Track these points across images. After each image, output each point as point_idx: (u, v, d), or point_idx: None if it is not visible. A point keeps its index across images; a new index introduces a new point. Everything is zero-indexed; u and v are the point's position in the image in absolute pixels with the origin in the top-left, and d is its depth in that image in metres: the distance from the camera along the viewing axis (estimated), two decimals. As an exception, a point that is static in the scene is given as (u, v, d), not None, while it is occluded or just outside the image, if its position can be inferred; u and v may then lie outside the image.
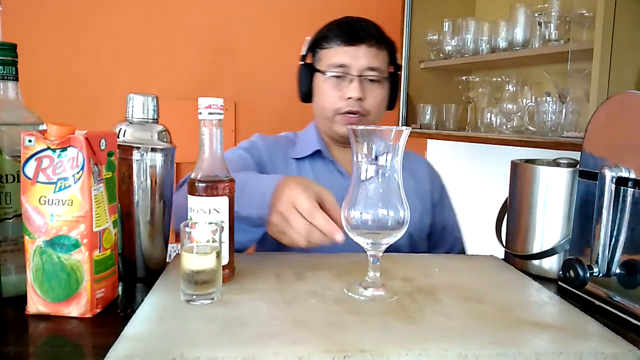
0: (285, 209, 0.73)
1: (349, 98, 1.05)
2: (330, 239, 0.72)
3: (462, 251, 1.23)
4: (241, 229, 0.80)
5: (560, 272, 0.77)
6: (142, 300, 0.66)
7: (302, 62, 1.13)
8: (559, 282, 0.80)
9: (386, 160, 0.67)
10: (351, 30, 1.07)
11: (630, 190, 0.68)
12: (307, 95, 1.14)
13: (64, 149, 0.62)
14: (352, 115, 1.06)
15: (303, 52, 1.13)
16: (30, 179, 0.62)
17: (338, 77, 1.07)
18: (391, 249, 1.12)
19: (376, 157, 0.67)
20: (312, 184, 0.77)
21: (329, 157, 1.13)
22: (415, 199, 1.15)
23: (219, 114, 0.71)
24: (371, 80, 1.07)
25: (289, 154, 1.15)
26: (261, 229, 0.82)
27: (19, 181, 0.66)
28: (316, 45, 1.12)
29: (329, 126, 1.11)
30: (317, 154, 1.13)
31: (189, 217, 0.71)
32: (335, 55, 1.07)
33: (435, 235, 1.20)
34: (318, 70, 1.10)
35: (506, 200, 0.95)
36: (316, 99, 1.12)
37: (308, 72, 1.12)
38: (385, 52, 1.10)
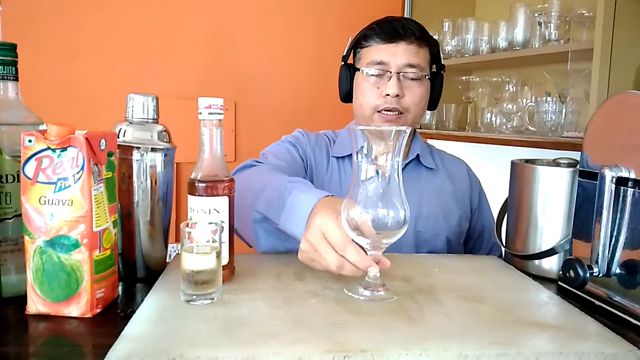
0: (315, 238, 0.70)
1: (387, 95, 1.04)
2: (363, 272, 0.69)
3: (501, 255, 1.21)
4: (283, 237, 0.81)
5: (560, 272, 0.77)
6: (142, 300, 0.66)
7: (343, 63, 1.13)
8: (559, 282, 0.80)
9: (386, 160, 0.67)
10: (391, 28, 1.06)
11: (630, 190, 0.68)
12: (347, 95, 1.13)
13: (64, 149, 0.62)
14: (390, 113, 1.05)
15: (345, 53, 1.13)
16: (30, 179, 0.62)
17: (377, 75, 1.06)
18: (427, 253, 1.11)
19: (376, 157, 0.67)
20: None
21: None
22: (453, 204, 1.14)
23: (219, 114, 0.71)
24: (411, 78, 1.05)
25: (330, 152, 1.15)
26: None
27: (19, 181, 0.66)
28: (357, 45, 1.12)
29: (367, 124, 1.09)
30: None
31: (189, 217, 0.71)
32: (375, 53, 1.06)
33: (472, 240, 1.20)
34: (357, 69, 1.10)
35: (506, 200, 0.95)
36: (355, 97, 1.11)
37: (348, 71, 1.11)
38: (426, 50, 1.08)
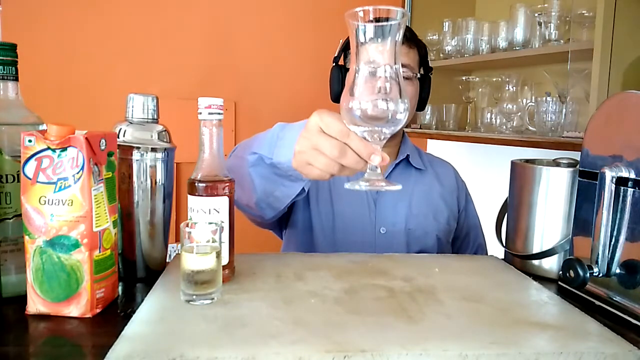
0: (313, 133, 0.65)
1: None
2: (366, 161, 0.64)
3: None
4: (278, 182, 0.78)
5: (560, 272, 0.77)
6: (142, 300, 0.66)
7: (334, 64, 1.15)
8: (559, 282, 0.80)
9: (381, 49, 0.62)
10: None
11: (630, 190, 0.68)
12: (338, 95, 1.14)
13: (64, 149, 0.62)
14: None
15: (336, 54, 1.15)
16: (30, 179, 0.62)
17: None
18: (418, 251, 1.11)
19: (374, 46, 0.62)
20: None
21: None
22: (442, 204, 1.17)
23: (219, 114, 0.71)
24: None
25: None
26: (298, 184, 0.78)
27: (19, 181, 0.66)
28: (348, 46, 1.13)
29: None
30: None
31: (189, 217, 0.71)
32: None
33: (459, 240, 1.23)
34: (348, 69, 1.11)
35: (506, 200, 0.95)
36: None
37: (339, 72, 1.13)
38: (415, 51, 1.11)
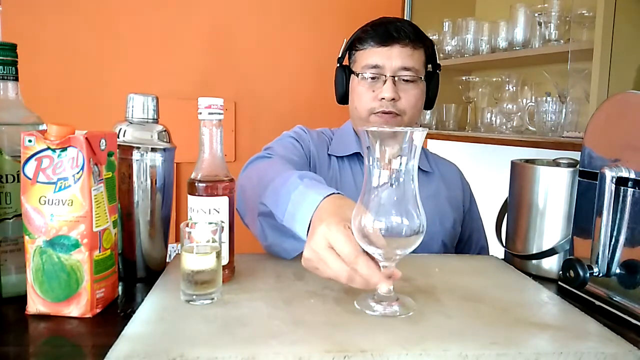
0: (321, 248, 0.64)
1: (383, 99, 1.04)
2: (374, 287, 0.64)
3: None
4: (289, 234, 0.77)
5: (560, 272, 0.77)
6: (142, 300, 0.66)
7: (339, 65, 1.13)
8: (559, 282, 0.80)
9: (400, 164, 0.62)
10: (385, 31, 1.06)
11: (630, 190, 0.68)
12: (343, 96, 1.13)
13: (64, 149, 0.62)
14: (386, 115, 1.05)
15: (340, 55, 1.13)
16: (30, 179, 0.62)
17: (372, 78, 1.06)
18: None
19: (389, 161, 0.62)
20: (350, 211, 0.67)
21: None
22: (448, 208, 1.14)
23: (219, 114, 0.71)
24: (406, 80, 1.06)
25: (328, 150, 1.15)
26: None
27: (19, 181, 0.66)
28: (352, 47, 1.12)
29: (364, 126, 1.09)
30: (355, 155, 1.13)
31: (189, 217, 0.71)
32: (369, 56, 1.06)
33: (462, 242, 1.20)
34: (353, 72, 1.10)
35: (506, 200, 0.95)
36: (351, 100, 1.11)
37: (344, 74, 1.12)
38: (421, 51, 1.08)
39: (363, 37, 1.08)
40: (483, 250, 1.23)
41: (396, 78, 1.04)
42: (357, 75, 1.08)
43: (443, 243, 1.10)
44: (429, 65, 1.12)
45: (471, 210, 1.22)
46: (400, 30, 1.05)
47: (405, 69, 1.05)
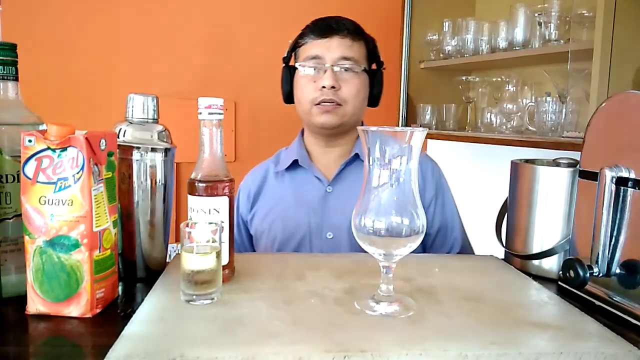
0: None
1: (323, 87, 1.06)
2: None
3: (465, 250, 1.17)
4: None
5: (560, 272, 0.77)
6: (142, 300, 0.66)
7: (285, 64, 1.16)
8: (559, 282, 0.80)
9: (400, 164, 0.62)
10: (324, 24, 1.09)
11: (630, 190, 0.68)
12: (289, 95, 1.16)
13: (64, 149, 0.62)
14: (327, 104, 1.07)
15: (286, 55, 1.16)
16: (30, 179, 0.62)
17: (313, 68, 1.08)
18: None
19: (389, 161, 0.62)
20: None
21: (306, 165, 1.14)
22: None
23: (219, 114, 0.71)
24: (347, 70, 1.08)
25: (272, 172, 1.18)
26: None
27: (19, 181, 0.66)
28: (295, 45, 1.15)
29: (308, 120, 1.12)
30: (296, 163, 1.15)
31: (189, 217, 0.71)
32: (310, 48, 1.09)
33: (430, 237, 1.15)
34: (295, 68, 1.12)
35: (506, 200, 0.95)
36: (295, 95, 1.14)
37: (289, 72, 1.14)
38: (361, 44, 1.11)
39: (304, 32, 1.12)
40: (456, 241, 1.16)
41: (336, 68, 1.07)
42: (299, 67, 1.10)
43: None
44: (373, 64, 1.15)
45: (438, 203, 1.17)
46: (340, 23, 1.09)
47: (345, 58, 1.07)
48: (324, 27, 1.09)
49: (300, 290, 0.70)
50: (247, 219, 1.18)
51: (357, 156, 1.14)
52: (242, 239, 1.19)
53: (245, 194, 1.19)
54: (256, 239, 1.15)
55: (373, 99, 1.16)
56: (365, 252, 0.65)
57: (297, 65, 1.12)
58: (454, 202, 1.21)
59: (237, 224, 1.18)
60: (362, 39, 1.11)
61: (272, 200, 1.14)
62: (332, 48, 1.07)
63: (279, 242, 1.09)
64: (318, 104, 1.07)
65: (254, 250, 1.17)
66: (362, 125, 1.18)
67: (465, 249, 1.17)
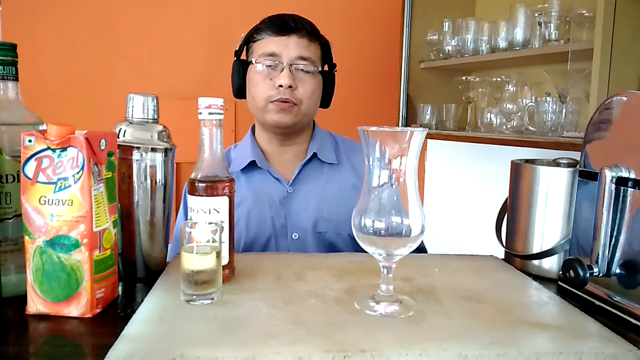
0: None
1: (280, 86, 1.05)
2: None
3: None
4: None
5: (560, 272, 0.77)
6: (142, 300, 0.66)
7: (236, 58, 1.14)
8: (559, 282, 0.80)
9: (400, 164, 0.62)
10: (282, 21, 1.08)
11: (630, 190, 0.68)
12: (240, 89, 1.14)
13: (64, 149, 0.62)
14: (283, 103, 1.06)
15: (237, 48, 1.14)
16: (30, 179, 0.62)
17: (269, 66, 1.07)
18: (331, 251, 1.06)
19: (389, 161, 0.62)
20: None
21: (265, 166, 1.12)
22: (357, 198, 1.14)
23: (219, 114, 0.71)
24: (302, 70, 1.07)
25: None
26: None
27: (19, 181, 0.66)
28: (249, 39, 1.13)
29: (262, 117, 1.10)
30: (252, 164, 1.13)
31: (189, 217, 0.71)
32: (267, 45, 1.08)
33: None
34: (250, 63, 1.11)
35: (506, 200, 0.95)
36: (249, 91, 1.12)
37: (241, 66, 1.13)
38: (317, 45, 1.10)
39: (261, 27, 1.10)
40: None
41: (293, 67, 1.06)
42: (255, 64, 1.09)
43: (350, 237, 1.07)
44: (325, 65, 1.14)
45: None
46: (297, 21, 1.08)
47: (302, 58, 1.07)
48: (281, 25, 1.07)
49: (300, 290, 0.70)
50: None
51: (314, 156, 1.14)
52: None
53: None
54: None
55: (326, 99, 1.15)
56: (365, 252, 0.65)
57: (252, 60, 1.10)
58: None
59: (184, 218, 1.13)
60: (318, 40, 1.11)
61: (241, 197, 1.11)
62: (290, 46, 1.06)
63: (243, 244, 1.07)
64: (273, 102, 1.06)
65: None
66: (314, 126, 1.19)
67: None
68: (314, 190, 1.11)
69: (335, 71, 1.16)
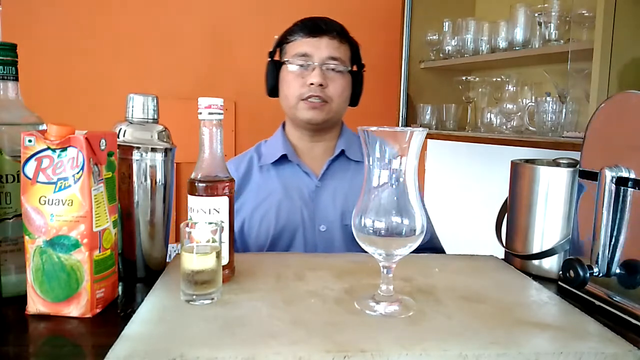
0: None
1: (311, 84, 1.10)
2: None
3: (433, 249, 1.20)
4: None
5: (560, 272, 0.77)
6: (142, 300, 0.66)
7: (270, 59, 1.19)
8: (559, 282, 0.80)
9: (400, 164, 0.62)
10: (314, 23, 1.13)
11: (630, 190, 0.68)
12: (273, 88, 1.19)
13: (64, 149, 0.62)
14: (314, 100, 1.11)
15: (272, 49, 1.19)
16: (30, 179, 0.62)
17: (301, 66, 1.12)
18: (356, 246, 1.09)
19: (389, 161, 0.62)
20: None
21: (295, 160, 1.17)
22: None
23: (219, 114, 0.71)
24: (333, 70, 1.12)
25: (257, 164, 1.20)
26: None
27: (19, 181, 0.66)
28: (283, 41, 1.18)
29: (294, 115, 1.15)
30: (283, 158, 1.17)
31: (189, 217, 0.71)
32: (299, 46, 1.13)
33: None
34: (283, 63, 1.16)
35: (506, 200, 0.95)
36: (281, 90, 1.17)
37: (274, 67, 1.17)
38: (347, 46, 1.15)
39: (294, 30, 1.16)
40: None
41: (324, 67, 1.11)
42: (287, 64, 1.13)
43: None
44: (354, 66, 1.19)
45: None
46: (329, 24, 1.13)
47: (333, 58, 1.12)
48: (313, 27, 1.13)
49: (300, 290, 0.70)
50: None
51: (342, 153, 1.18)
52: None
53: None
54: (245, 231, 1.15)
55: (354, 98, 1.20)
56: (365, 252, 0.65)
57: (285, 61, 1.15)
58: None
59: None
60: (348, 41, 1.16)
61: (260, 193, 1.16)
62: (321, 47, 1.11)
63: (272, 235, 1.11)
64: (304, 99, 1.11)
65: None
66: (342, 124, 1.24)
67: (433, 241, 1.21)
68: (341, 186, 1.16)
69: (364, 71, 1.21)
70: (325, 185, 1.15)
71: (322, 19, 1.15)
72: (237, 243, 1.16)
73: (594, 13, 1.26)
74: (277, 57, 1.20)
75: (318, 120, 1.12)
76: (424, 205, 1.22)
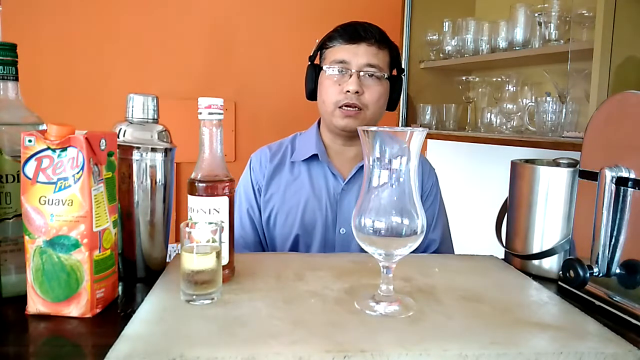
0: None
1: (348, 91, 1.10)
2: None
3: (444, 252, 1.21)
4: None
5: (560, 272, 0.77)
6: (142, 300, 0.66)
7: (310, 63, 1.19)
8: (559, 282, 0.80)
9: (400, 164, 0.62)
10: (353, 30, 1.13)
11: (630, 190, 0.68)
12: (312, 92, 1.19)
13: (64, 149, 0.62)
14: (350, 109, 1.11)
15: (312, 53, 1.20)
16: (30, 179, 0.62)
17: (339, 72, 1.12)
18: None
19: (389, 161, 0.63)
20: None
21: (325, 160, 1.18)
22: None
23: (219, 114, 0.71)
24: (370, 77, 1.12)
25: (289, 158, 1.21)
26: None
27: (19, 181, 0.66)
28: (322, 46, 1.18)
29: (329, 120, 1.16)
30: (314, 156, 1.18)
31: (189, 217, 0.71)
32: (337, 52, 1.13)
33: None
34: (321, 68, 1.16)
35: (506, 200, 0.95)
36: (319, 94, 1.17)
37: (314, 71, 1.18)
38: (385, 52, 1.14)
39: (333, 36, 1.15)
40: (433, 243, 1.20)
41: (361, 74, 1.11)
42: (325, 70, 1.14)
43: None
44: (394, 70, 1.19)
45: (426, 202, 1.23)
46: (368, 30, 1.12)
47: (370, 65, 1.11)
48: (352, 33, 1.12)
49: (300, 290, 0.70)
50: (260, 186, 1.19)
51: None
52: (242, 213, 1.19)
53: (258, 163, 1.21)
54: (271, 224, 1.16)
55: (392, 103, 1.20)
56: (365, 252, 0.65)
57: (323, 67, 1.15)
58: (442, 207, 1.27)
59: (240, 195, 1.19)
60: (387, 47, 1.15)
61: (290, 187, 1.17)
62: (359, 54, 1.11)
63: (296, 230, 1.13)
64: (341, 107, 1.11)
65: (257, 237, 1.19)
66: None
67: (441, 252, 1.21)
68: None
69: (404, 75, 1.21)
70: (350, 189, 1.16)
71: (361, 24, 1.14)
72: (262, 235, 1.18)
73: (594, 13, 1.26)
74: (317, 62, 1.20)
75: (352, 128, 1.13)
76: (446, 217, 1.23)
